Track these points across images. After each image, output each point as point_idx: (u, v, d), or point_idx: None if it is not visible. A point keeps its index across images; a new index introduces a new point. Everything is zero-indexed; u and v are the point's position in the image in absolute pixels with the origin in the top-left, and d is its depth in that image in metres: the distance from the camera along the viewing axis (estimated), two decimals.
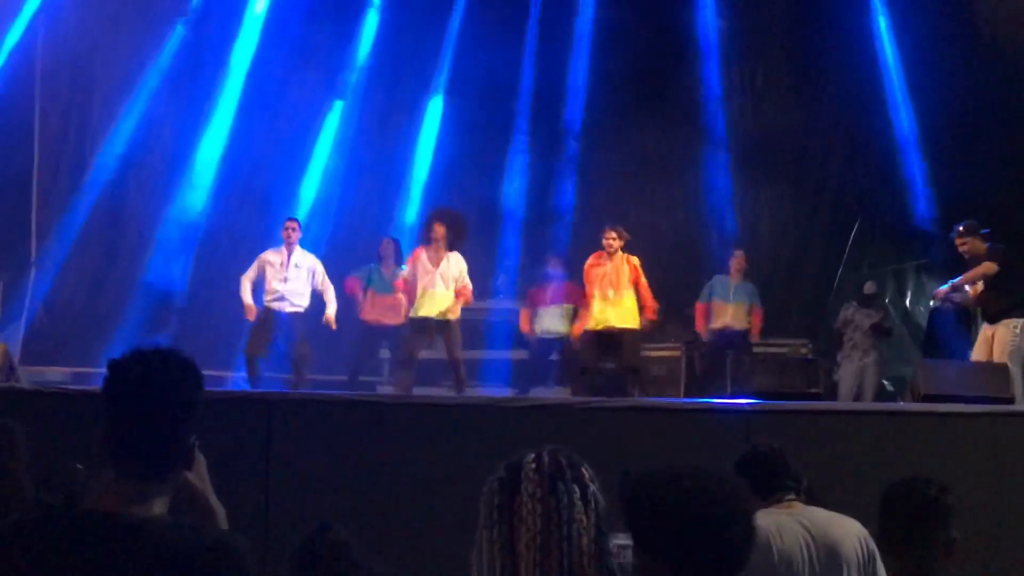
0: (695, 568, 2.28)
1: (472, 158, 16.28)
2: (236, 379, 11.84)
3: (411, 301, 11.46)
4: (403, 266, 12.42)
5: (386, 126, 16.63)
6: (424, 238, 11.58)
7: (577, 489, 2.29)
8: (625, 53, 16.31)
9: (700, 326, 13.12)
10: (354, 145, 16.25)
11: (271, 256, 11.69)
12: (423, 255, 11.40)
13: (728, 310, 12.99)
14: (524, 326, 13.09)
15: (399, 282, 11.88)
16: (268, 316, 11.52)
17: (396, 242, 13.07)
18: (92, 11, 15.44)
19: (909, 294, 16.16)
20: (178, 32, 15.67)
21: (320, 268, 11.85)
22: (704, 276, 13.66)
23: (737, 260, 13.23)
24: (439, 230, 11.27)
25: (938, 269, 15.08)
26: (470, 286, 11.40)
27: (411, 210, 15.96)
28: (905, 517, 3.50)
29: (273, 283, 11.56)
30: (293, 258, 11.62)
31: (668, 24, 16.58)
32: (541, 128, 16.44)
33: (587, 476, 2.33)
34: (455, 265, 11.33)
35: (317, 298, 12.00)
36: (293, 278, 11.58)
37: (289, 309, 11.55)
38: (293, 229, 11.70)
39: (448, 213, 11.72)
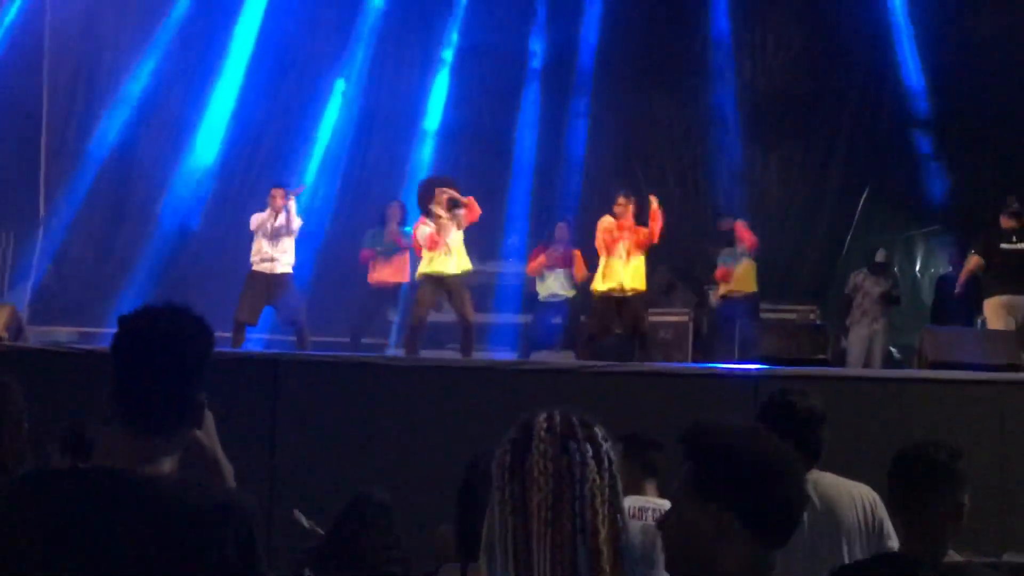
0: (759, 520, 2.28)
1: (481, 120, 16.22)
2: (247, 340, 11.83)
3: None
4: (407, 228, 12.45)
5: (395, 87, 16.57)
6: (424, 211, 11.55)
7: (590, 448, 2.27)
8: (635, 16, 16.22)
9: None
10: (362, 105, 16.20)
11: (258, 218, 11.65)
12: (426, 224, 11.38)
13: (735, 275, 12.99)
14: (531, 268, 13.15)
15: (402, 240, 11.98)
16: (257, 279, 11.50)
17: (403, 205, 13.08)
18: None
19: (918, 261, 16.13)
20: None
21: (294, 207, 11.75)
22: (711, 241, 13.61)
23: (738, 228, 13.21)
24: (436, 210, 11.25)
25: (947, 237, 15.06)
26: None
27: (420, 172, 15.91)
28: (913, 481, 3.49)
29: (262, 245, 11.53)
30: (279, 219, 11.56)
31: None
32: (551, 91, 16.36)
33: (600, 435, 2.31)
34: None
35: (312, 262, 12.05)
36: (280, 238, 11.54)
37: (279, 270, 11.53)
38: (277, 197, 11.62)
39: (428, 186, 11.68)
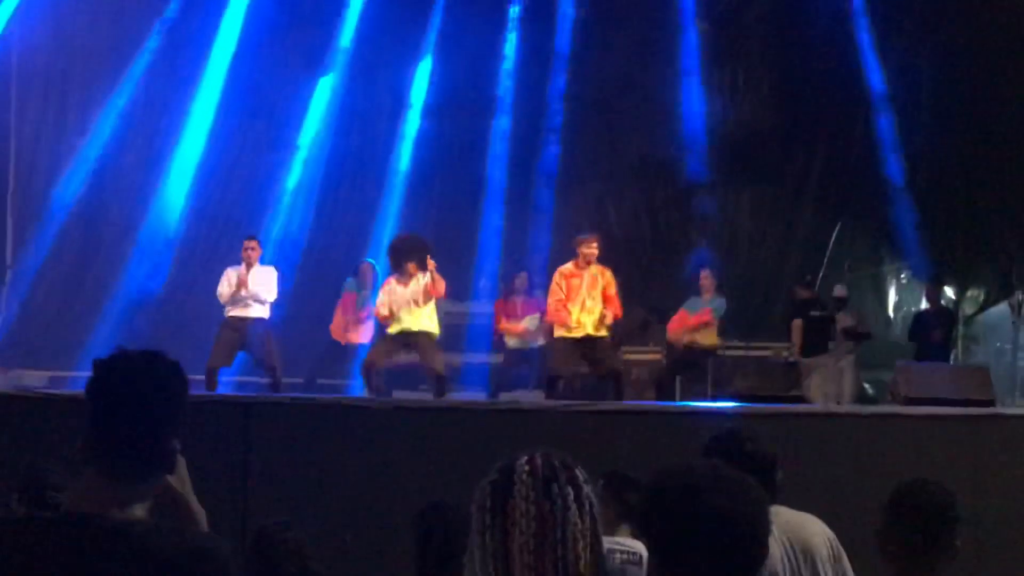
0: (668, 562, 2.25)
1: (451, 161, 16.28)
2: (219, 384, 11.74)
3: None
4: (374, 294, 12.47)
5: (364, 129, 16.60)
6: (395, 269, 11.38)
7: (571, 491, 2.25)
8: (605, 57, 16.31)
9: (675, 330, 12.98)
10: (333, 148, 16.22)
11: (231, 274, 11.53)
12: (394, 282, 11.23)
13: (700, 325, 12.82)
14: (501, 326, 13.11)
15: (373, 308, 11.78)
16: (231, 325, 11.41)
17: (374, 267, 13.00)
18: (69, 13, 15.39)
19: (890, 297, 16.20)
20: (155, 35, 15.59)
21: (275, 277, 11.70)
22: (685, 282, 13.62)
23: (704, 279, 13.01)
24: (411, 268, 11.11)
25: (919, 272, 15.14)
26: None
27: (390, 216, 15.92)
28: (915, 522, 3.48)
29: (236, 293, 11.43)
30: (252, 274, 11.45)
31: (648, 27, 16.57)
32: (521, 132, 16.40)
33: (581, 478, 2.29)
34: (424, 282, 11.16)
35: (281, 304, 11.97)
36: (254, 286, 11.43)
37: (253, 314, 11.43)
38: (252, 249, 11.53)
39: (410, 244, 11.53)
